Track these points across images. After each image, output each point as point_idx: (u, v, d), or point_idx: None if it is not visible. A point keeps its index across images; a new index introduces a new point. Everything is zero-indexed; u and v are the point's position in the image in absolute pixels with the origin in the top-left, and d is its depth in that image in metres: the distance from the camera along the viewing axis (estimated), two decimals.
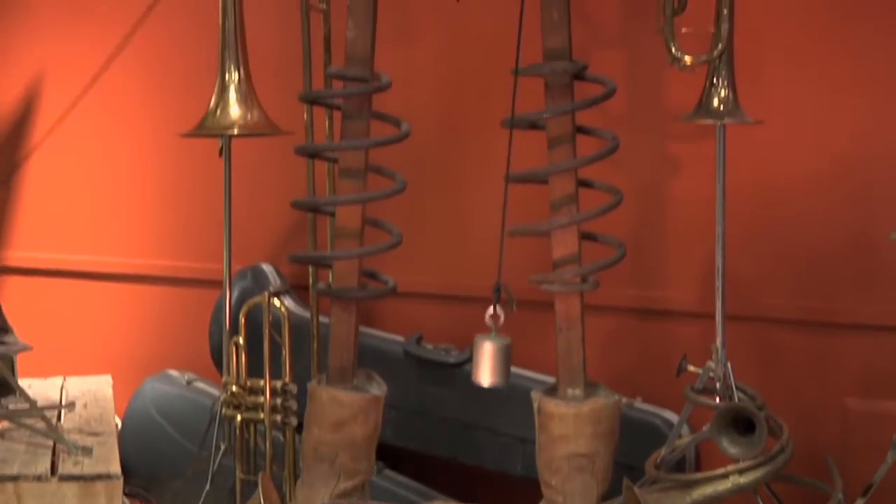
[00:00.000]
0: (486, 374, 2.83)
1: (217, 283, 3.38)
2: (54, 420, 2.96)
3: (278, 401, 3.06)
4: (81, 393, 3.28)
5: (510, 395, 3.16)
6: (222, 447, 3.15)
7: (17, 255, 3.95)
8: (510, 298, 2.82)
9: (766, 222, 3.32)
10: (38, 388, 3.27)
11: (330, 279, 2.99)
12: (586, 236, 2.95)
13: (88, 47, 3.83)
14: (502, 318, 2.83)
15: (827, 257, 3.27)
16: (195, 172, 3.68)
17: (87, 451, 2.71)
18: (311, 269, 3.25)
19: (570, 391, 2.92)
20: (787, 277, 3.32)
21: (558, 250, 2.91)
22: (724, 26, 2.93)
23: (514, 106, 2.87)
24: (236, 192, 3.24)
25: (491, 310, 2.83)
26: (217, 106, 3.19)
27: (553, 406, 2.88)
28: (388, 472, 3.39)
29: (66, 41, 3.85)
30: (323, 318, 3.16)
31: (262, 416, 3.06)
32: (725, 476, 2.81)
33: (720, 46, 2.92)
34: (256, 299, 3.11)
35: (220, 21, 3.18)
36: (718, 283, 2.97)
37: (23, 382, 3.03)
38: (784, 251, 3.32)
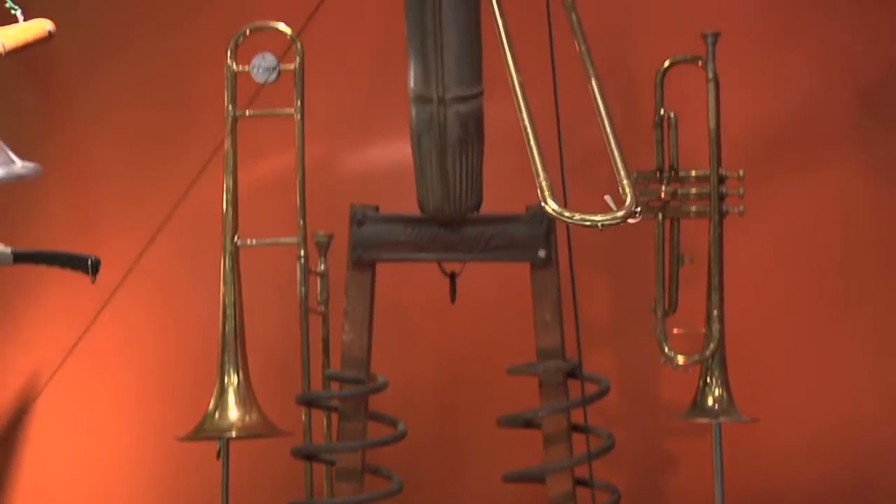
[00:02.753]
0: None
1: None
2: None
3: None
4: None
5: None
6: None
7: None
8: None
9: None
10: None
11: None
12: None
13: (84, 352, 3.86)
14: None
15: None
16: (191, 475, 3.66)
17: None
18: None
19: None
20: None
21: None
22: (716, 326, 2.99)
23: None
24: (234, 494, 3.22)
25: None
26: (216, 408, 3.21)
27: None
28: None
29: (60, 344, 3.89)
30: None
31: None
32: None
33: (712, 346, 2.97)
34: None
35: (220, 325, 3.24)
36: None
37: None
38: None
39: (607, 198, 2.08)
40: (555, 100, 2.34)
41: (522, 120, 2.22)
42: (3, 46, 2.64)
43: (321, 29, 3.56)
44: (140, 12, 3.76)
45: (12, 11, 2.81)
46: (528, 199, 2.60)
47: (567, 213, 2.06)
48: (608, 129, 2.20)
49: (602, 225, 2.06)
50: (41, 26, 2.84)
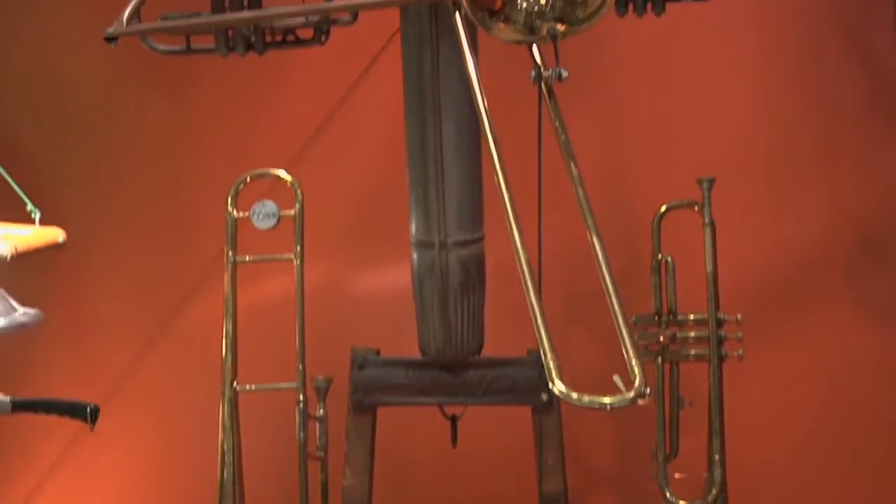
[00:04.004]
0: None
1: None
2: None
3: None
4: None
5: None
6: None
7: None
8: None
9: None
10: None
11: None
12: None
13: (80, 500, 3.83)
14: None
15: None
16: None
17: None
18: None
19: None
20: None
21: None
22: (717, 471, 2.97)
23: None
24: None
25: None
26: None
27: None
28: None
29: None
30: None
31: None
32: None
33: (714, 492, 2.95)
34: None
35: (219, 472, 3.21)
36: None
37: None
38: None
39: (616, 378, 2.05)
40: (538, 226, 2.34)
41: (522, 270, 2.21)
42: (16, 249, 2.68)
43: (321, 172, 3.60)
44: (140, 158, 3.81)
45: (32, 215, 2.86)
46: (529, 341, 2.60)
47: (575, 395, 2.03)
48: (617, 309, 2.18)
49: (611, 407, 2.04)
50: (54, 235, 2.88)
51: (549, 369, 2.03)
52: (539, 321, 2.09)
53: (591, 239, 2.27)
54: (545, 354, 2.06)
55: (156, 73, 3.55)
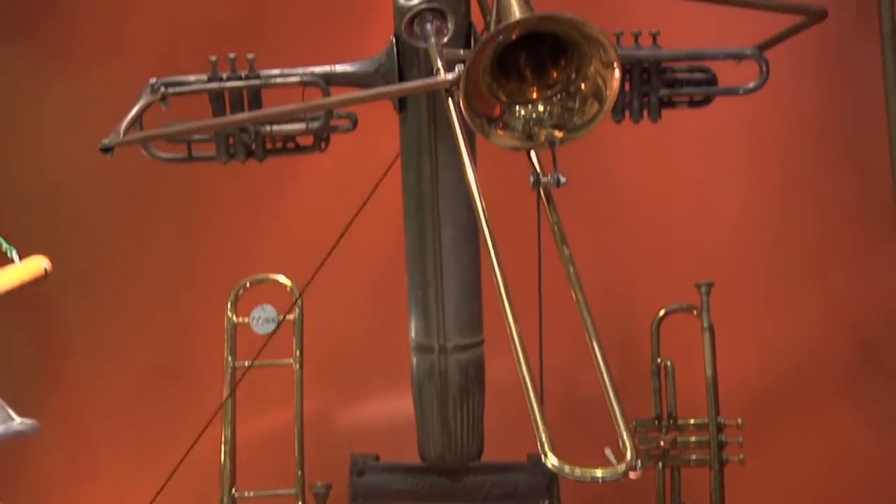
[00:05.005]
0: None
1: None
2: None
3: None
4: None
5: None
6: None
7: None
8: None
9: None
10: None
11: None
12: None
13: None
14: None
15: None
16: None
17: None
18: None
19: None
20: None
21: None
22: None
23: None
24: None
25: None
26: None
27: None
28: None
29: None
30: None
31: None
32: None
33: None
34: None
35: None
36: None
37: None
38: None
39: (607, 451, 2.06)
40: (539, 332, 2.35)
41: (521, 372, 2.23)
42: (2, 288, 2.66)
43: (321, 276, 3.61)
44: (141, 266, 3.82)
45: (8, 254, 2.84)
46: (529, 446, 2.59)
47: (567, 468, 2.04)
48: (607, 382, 2.20)
49: (603, 480, 2.05)
50: (37, 265, 2.84)
51: (541, 443, 2.04)
52: (530, 392, 2.10)
53: (591, 342, 2.27)
54: (537, 427, 2.06)
55: (157, 180, 3.58)
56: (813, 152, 3.55)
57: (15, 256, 2.82)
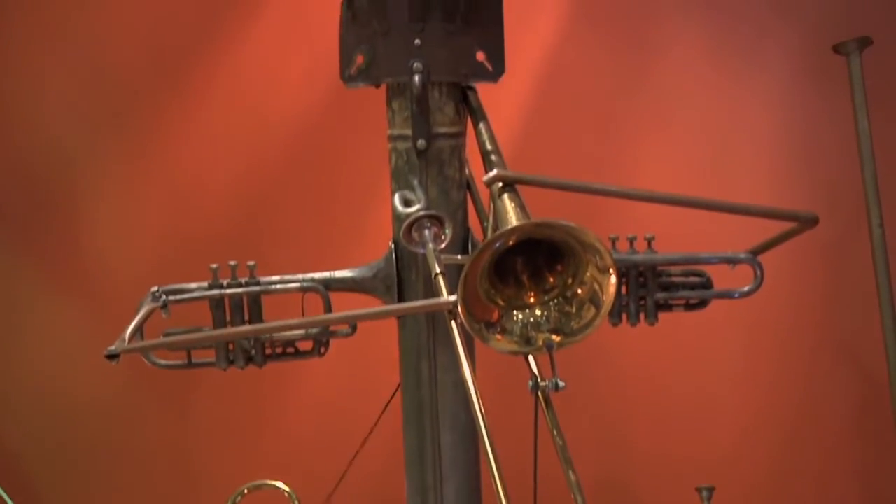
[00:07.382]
0: None
1: None
2: None
3: None
4: None
5: None
6: None
7: None
8: None
9: None
10: None
11: None
12: None
13: None
14: None
15: None
16: None
17: None
18: None
19: None
20: None
21: None
22: None
23: None
24: None
25: None
26: None
27: None
28: None
29: None
30: None
31: None
32: None
33: None
34: None
35: None
36: None
37: None
38: None
39: None
40: None
41: None
42: None
43: (319, 483, 3.58)
44: (138, 469, 3.80)
45: None
46: None
47: None
48: None
49: None
50: None
51: None
52: None
53: None
54: None
55: (154, 384, 3.58)
56: (811, 354, 3.57)
57: None
